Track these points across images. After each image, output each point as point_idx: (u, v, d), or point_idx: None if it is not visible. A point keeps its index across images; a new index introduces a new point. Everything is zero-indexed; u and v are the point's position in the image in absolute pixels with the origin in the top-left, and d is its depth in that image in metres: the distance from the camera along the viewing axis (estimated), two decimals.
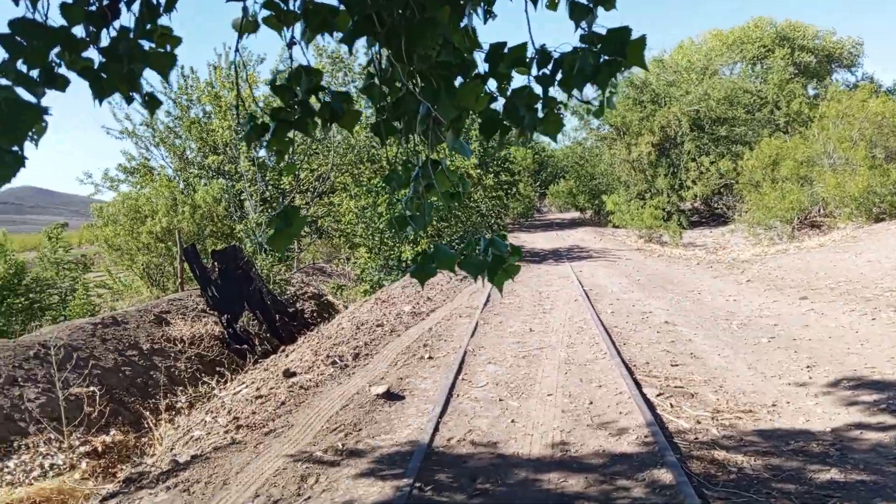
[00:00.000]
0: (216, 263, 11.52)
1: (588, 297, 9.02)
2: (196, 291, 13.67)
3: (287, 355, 6.38)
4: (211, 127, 18.42)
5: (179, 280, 15.89)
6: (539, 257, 15.27)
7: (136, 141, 19.80)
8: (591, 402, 4.75)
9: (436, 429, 4.18)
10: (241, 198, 16.70)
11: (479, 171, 13.89)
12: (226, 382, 6.98)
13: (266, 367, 6.29)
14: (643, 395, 4.91)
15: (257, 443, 4.06)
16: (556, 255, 15.56)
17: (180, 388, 10.83)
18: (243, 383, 6.00)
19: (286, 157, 2.09)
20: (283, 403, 4.51)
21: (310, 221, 17.35)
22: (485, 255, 1.99)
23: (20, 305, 14.94)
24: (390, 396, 4.67)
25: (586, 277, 11.18)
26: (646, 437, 4.00)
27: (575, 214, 40.13)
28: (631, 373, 5.49)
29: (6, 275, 14.79)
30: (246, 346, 10.87)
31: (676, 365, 5.89)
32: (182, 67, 19.78)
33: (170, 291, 17.59)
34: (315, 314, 15.70)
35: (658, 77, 24.94)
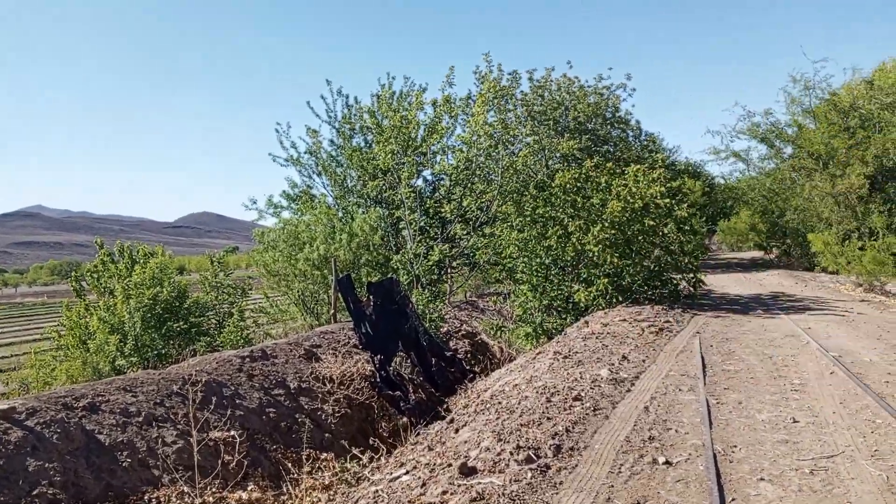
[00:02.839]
0: (371, 297, 10.43)
1: (846, 368, 6.69)
2: (348, 323, 12.78)
3: (457, 430, 4.84)
4: (371, 155, 17.99)
5: (332, 310, 15.18)
6: (741, 306, 12.76)
7: (300, 169, 19.92)
8: None
9: None
10: (399, 226, 15.86)
11: (668, 199, 11.84)
12: (379, 457, 5.59)
13: (431, 444, 4.77)
14: None
15: None
16: (762, 304, 12.92)
17: (326, 434, 9.75)
18: (402, 465, 4.53)
19: None
20: None
21: (467, 254, 16.12)
22: None
23: (179, 329, 14.90)
24: None
25: (822, 337, 8.70)
26: None
27: (755, 254, 35.89)
28: None
29: (168, 297, 14.82)
30: (398, 392, 9.59)
31: None
32: (346, 97, 19.69)
33: (323, 319, 17.07)
34: (469, 355, 14.26)
35: (871, 99, 21.22)
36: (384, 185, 17.40)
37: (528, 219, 12.98)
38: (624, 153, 22.85)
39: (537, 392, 5.24)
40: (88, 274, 16.63)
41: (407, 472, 4.32)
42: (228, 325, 16.06)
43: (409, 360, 10.44)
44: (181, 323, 15.05)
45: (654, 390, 5.62)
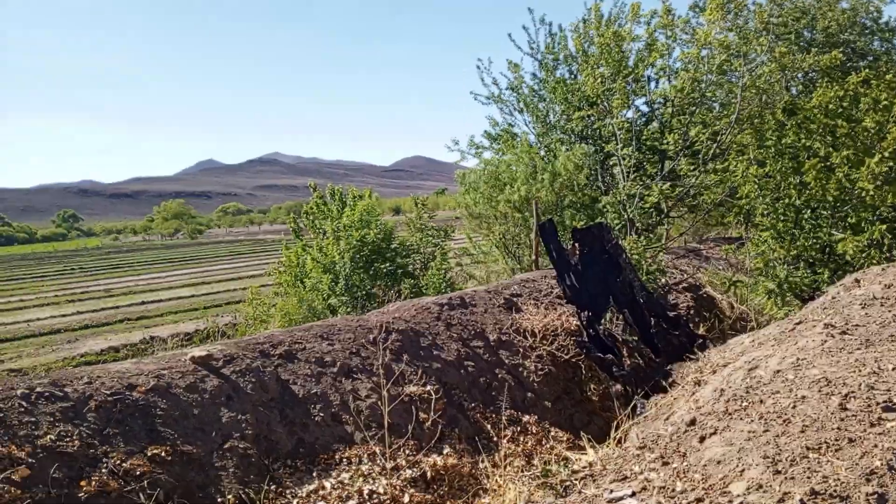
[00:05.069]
0: (577, 244, 9.20)
1: None
2: (551, 271, 11.74)
3: (702, 439, 3.54)
4: (576, 86, 16.42)
5: (534, 256, 14.22)
6: None
7: (501, 106, 18.97)
8: None
9: None
10: (610, 163, 14.22)
11: None
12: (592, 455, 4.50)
13: (665, 454, 3.54)
14: None
15: None
16: None
17: (528, 393, 8.89)
18: (625, 479, 3.38)
19: None
20: None
21: (692, 194, 14.05)
22: None
23: (386, 270, 14.98)
24: None
25: None
26: None
27: None
28: None
29: (375, 239, 14.91)
30: (610, 355, 8.37)
31: None
32: (549, 25, 18.12)
33: (525, 262, 16.32)
34: (691, 311, 12.48)
35: None
36: (591, 117, 15.80)
37: (772, 150, 10.69)
38: (889, 69, 18.55)
39: (819, 390, 3.72)
40: (305, 215, 17.36)
41: (633, 494, 3.17)
42: (432, 268, 15.89)
43: (621, 318, 9.12)
44: (387, 264, 15.13)
45: None
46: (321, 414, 6.66)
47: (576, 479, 3.60)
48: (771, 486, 2.72)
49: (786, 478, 2.75)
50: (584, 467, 3.67)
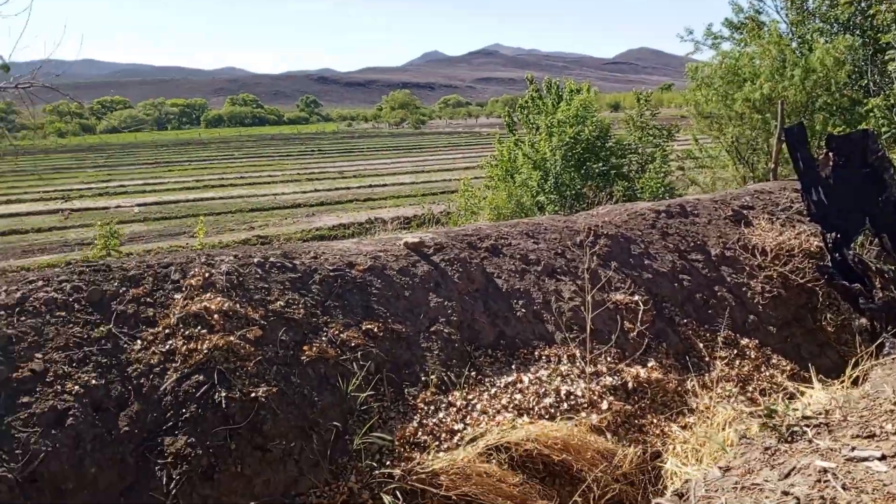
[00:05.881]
0: (831, 154, 7.86)
1: None
2: (792, 183, 10.35)
3: None
4: None
5: (773, 164, 12.60)
6: None
7: None
8: None
9: None
10: (884, 58, 11.83)
11: None
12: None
13: None
14: None
15: None
16: None
17: (751, 316, 8.10)
18: (872, 437, 2.88)
19: None
20: None
21: None
22: None
23: (598, 170, 14.35)
24: None
25: None
26: None
27: None
28: None
29: (589, 137, 14.25)
30: (858, 284, 7.23)
31: None
32: None
33: (759, 172, 14.65)
34: None
35: None
36: (863, 3, 13.16)
37: None
38: None
39: None
40: (519, 109, 17.06)
41: (882, 458, 2.67)
42: (650, 170, 14.90)
43: (877, 244, 7.78)
44: (601, 164, 14.47)
45: None
46: (523, 310, 6.65)
47: (806, 426, 3.13)
48: None
49: None
50: (819, 413, 3.18)
